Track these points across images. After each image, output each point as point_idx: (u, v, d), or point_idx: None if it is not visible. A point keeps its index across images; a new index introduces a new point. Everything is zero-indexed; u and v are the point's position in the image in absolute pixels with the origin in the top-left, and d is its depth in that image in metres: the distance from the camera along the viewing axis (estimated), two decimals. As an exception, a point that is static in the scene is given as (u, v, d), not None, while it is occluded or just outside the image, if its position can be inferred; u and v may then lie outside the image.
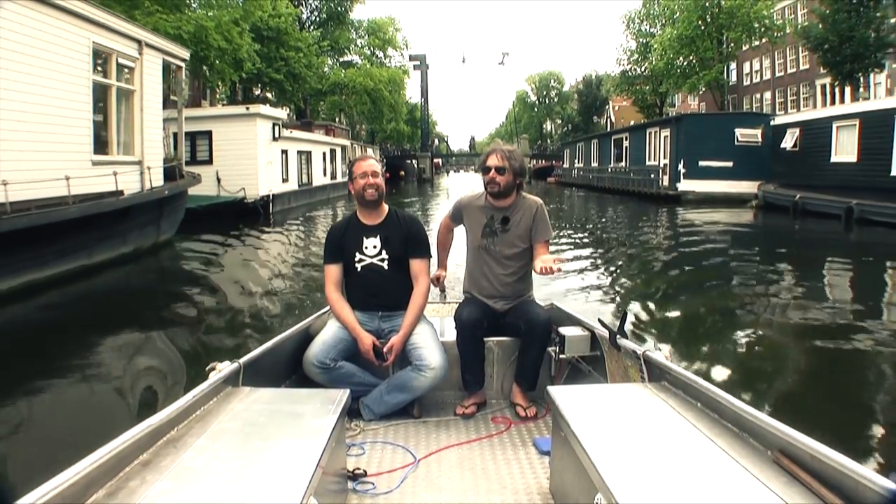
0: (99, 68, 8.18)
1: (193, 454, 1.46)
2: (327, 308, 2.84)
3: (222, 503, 1.25)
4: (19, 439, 3.59)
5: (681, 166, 20.20)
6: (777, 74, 38.51)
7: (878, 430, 3.61)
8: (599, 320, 2.68)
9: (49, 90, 7.03)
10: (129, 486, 1.32)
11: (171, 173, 10.09)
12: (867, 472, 1.20)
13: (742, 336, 5.84)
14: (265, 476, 1.36)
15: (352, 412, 2.59)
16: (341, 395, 1.89)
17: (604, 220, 18.54)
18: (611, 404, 1.86)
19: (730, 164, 19.92)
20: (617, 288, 7.99)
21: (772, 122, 19.63)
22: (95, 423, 3.79)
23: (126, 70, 8.81)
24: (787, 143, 17.97)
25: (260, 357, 2.25)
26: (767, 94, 39.63)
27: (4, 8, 6.27)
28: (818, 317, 6.37)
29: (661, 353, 2.13)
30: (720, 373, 4.60)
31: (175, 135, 11.77)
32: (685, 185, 20.01)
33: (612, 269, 9.57)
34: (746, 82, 42.11)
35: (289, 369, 2.63)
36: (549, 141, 68.30)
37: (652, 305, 6.93)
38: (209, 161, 15.21)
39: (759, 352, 5.46)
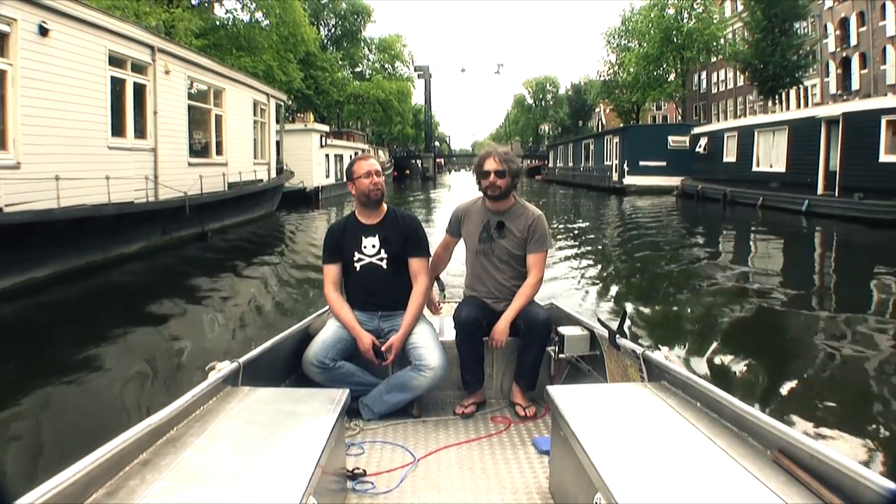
0: (254, 112, 15.47)
1: (193, 454, 1.51)
2: (327, 308, 2.96)
3: (222, 503, 1.30)
4: (20, 438, 3.77)
5: (625, 165, 27.34)
6: (738, 84, 45.60)
7: (879, 428, 3.72)
8: (599, 320, 2.83)
9: (241, 126, 14.38)
10: (128, 485, 1.37)
11: (279, 170, 17.38)
12: (866, 472, 1.24)
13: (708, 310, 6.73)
14: (265, 475, 1.40)
15: (351, 412, 2.64)
16: (341, 395, 1.96)
17: (576, 207, 25.53)
18: (610, 404, 1.92)
19: (664, 163, 26.98)
20: (585, 267, 9.80)
21: (692, 132, 26.73)
22: (95, 422, 3.96)
23: (262, 111, 16.10)
24: (700, 147, 25.07)
25: (259, 357, 2.35)
26: (731, 101, 46.83)
27: (230, 94, 13.51)
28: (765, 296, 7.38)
29: (661, 353, 2.23)
30: (697, 354, 5.05)
31: (278, 143, 18.97)
32: (629, 180, 27.16)
33: (581, 244, 12.80)
34: (714, 91, 49.31)
35: (288, 369, 2.74)
36: (545, 141, 75.31)
37: (619, 285, 8.32)
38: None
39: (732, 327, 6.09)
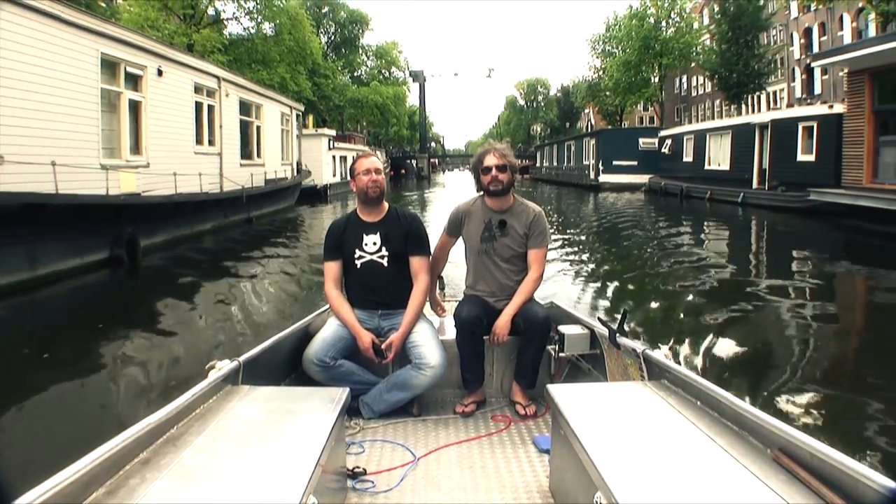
0: (281, 122, 19.27)
1: (193, 453, 1.54)
2: (327, 306, 3.04)
3: (222, 502, 1.33)
4: (20, 437, 3.89)
5: (600, 165, 31.24)
6: (715, 89, 49.45)
7: (879, 427, 3.74)
8: (599, 319, 2.86)
9: (273, 133, 18.25)
10: (129, 484, 1.39)
11: (298, 169, 21.18)
12: (866, 471, 1.26)
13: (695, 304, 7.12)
14: (265, 474, 1.43)
15: (351, 410, 2.70)
16: (341, 394, 2.01)
17: (559, 201, 29.36)
18: (610, 403, 1.96)
19: (635, 162, 30.84)
20: (570, 260, 10.79)
21: (660, 134, 30.61)
22: (95, 421, 4.12)
23: (287, 120, 19.91)
24: (666, 148, 28.95)
25: (259, 355, 2.40)
26: (708, 104, 50.80)
27: (266, 109, 17.30)
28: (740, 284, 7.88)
29: (661, 352, 2.29)
30: (688, 350, 5.29)
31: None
32: (603, 178, 31.08)
33: (564, 236, 14.68)
34: (693, 94, 53.32)
35: (288, 368, 2.80)
36: (537, 141, 78.84)
37: (603, 276, 9.10)
38: (292, 163, 26.21)
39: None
